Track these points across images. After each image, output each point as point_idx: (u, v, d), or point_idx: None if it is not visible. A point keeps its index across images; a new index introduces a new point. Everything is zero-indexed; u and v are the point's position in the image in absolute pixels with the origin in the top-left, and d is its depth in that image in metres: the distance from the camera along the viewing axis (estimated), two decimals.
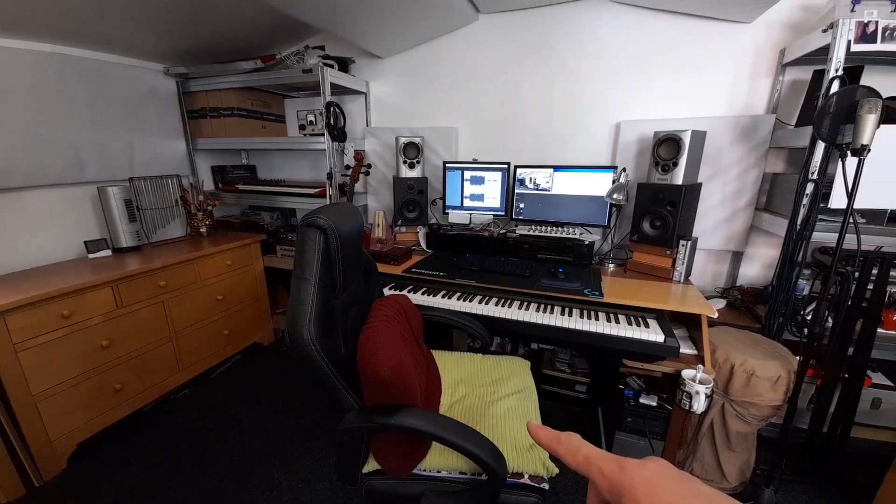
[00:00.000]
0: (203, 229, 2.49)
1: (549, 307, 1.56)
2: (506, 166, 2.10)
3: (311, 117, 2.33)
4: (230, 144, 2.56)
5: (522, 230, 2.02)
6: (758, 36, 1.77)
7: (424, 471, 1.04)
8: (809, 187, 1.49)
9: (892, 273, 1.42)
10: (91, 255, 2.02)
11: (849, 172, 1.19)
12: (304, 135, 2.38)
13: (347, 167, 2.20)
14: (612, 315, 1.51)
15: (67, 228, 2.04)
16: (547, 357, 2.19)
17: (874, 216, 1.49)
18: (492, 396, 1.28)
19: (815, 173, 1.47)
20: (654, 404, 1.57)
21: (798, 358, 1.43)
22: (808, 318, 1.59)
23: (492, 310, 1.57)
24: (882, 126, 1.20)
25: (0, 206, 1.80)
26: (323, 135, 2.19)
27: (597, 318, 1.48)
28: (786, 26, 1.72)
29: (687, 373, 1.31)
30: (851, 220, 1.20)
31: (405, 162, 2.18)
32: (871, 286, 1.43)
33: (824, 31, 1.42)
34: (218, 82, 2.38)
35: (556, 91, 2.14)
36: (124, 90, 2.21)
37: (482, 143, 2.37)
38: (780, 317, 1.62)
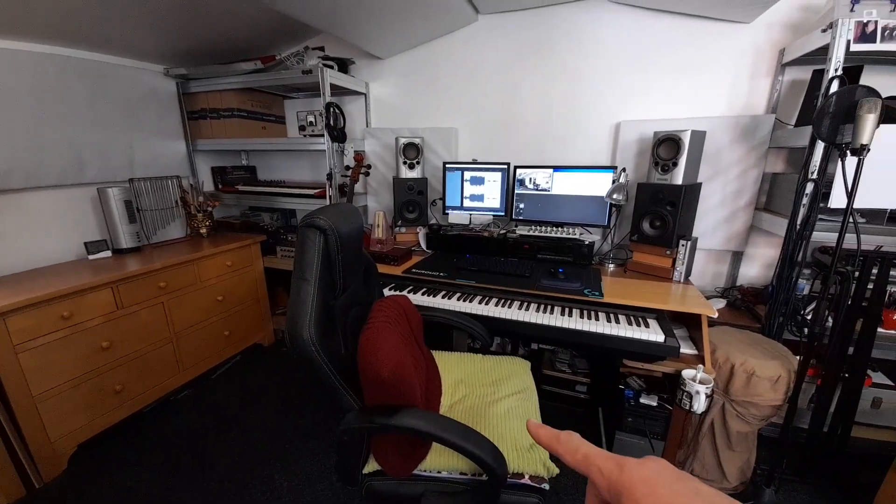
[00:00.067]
0: (203, 230, 2.49)
1: (549, 307, 1.56)
2: (506, 167, 2.10)
3: (310, 118, 2.34)
4: (230, 145, 2.56)
5: (522, 230, 2.03)
6: (757, 36, 1.77)
7: (425, 471, 1.04)
8: (809, 187, 1.49)
9: (892, 272, 1.43)
10: (91, 257, 2.02)
11: (848, 172, 1.19)
12: (304, 136, 2.39)
13: (347, 168, 2.20)
14: (612, 315, 1.51)
15: (67, 229, 2.04)
16: (547, 357, 2.19)
17: (874, 216, 1.49)
18: (492, 397, 1.28)
19: (815, 173, 1.47)
20: (655, 404, 1.57)
21: (798, 358, 1.43)
22: (809, 317, 1.59)
23: (492, 310, 1.57)
24: (881, 126, 1.20)
25: (0, 207, 1.80)
26: (323, 136, 2.20)
27: (597, 319, 1.48)
28: (785, 26, 1.72)
29: (687, 373, 1.31)
30: (851, 220, 1.20)
31: (405, 162, 2.18)
32: (871, 286, 1.43)
33: (824, 30, 1.42)
34: (218, 83, 2.38)
35: (555, 91, 2.14)
36: (124, 91, 2.21)
37: (482, 143, 2.37)
38: (781, 316, 1.62)
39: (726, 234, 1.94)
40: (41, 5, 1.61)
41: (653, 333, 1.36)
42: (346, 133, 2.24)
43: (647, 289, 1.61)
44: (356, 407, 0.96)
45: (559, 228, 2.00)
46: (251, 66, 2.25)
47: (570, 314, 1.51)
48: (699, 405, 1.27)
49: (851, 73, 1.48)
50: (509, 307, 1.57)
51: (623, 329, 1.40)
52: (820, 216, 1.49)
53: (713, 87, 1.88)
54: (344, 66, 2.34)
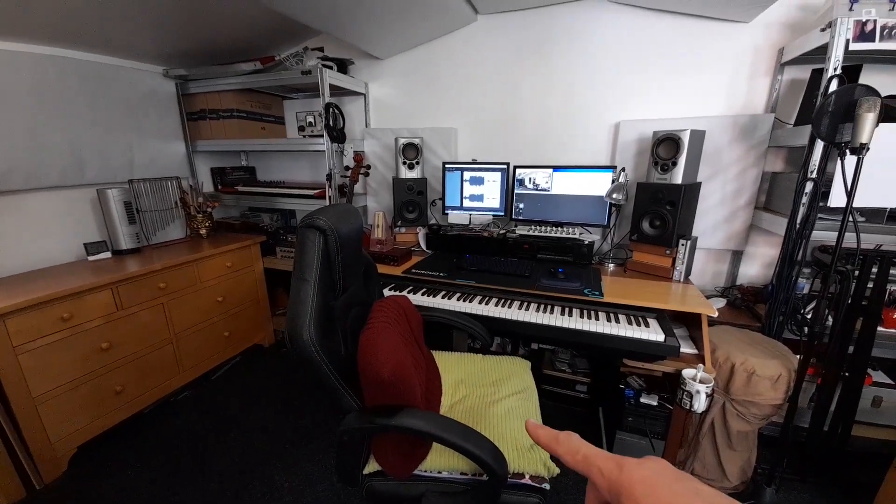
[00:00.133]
0: (203, 231, 2.49)
1: (549, 307, 1.56)
2: (505, 166, 2.10)
3: (310, 119, 2.34)
4: (229, 146, 2.56)
5: (522, 230, 2.03)
6: (756, 35, 1.77)
7: (425, 471, 1.04)
8: (809, 186, 1.49)
9: (891, 271, 1.42)
10: (91, 258, 2.02)
11: (848, 171, 1.19)
12: (304, 136, 2.39)
13: (347, 168, 2.20)
14: (612, 315, 1.51)
15: (67, 230, 2.04)
16: (547, 357, 2.19)
17: (873, 214, 1.49)
18: (492, 397, 1.28)
19: (815, 172, 1.48)
20: (655, 404, 1.57)
21: (798, 357, 1.43)
22: (809, 316, 1.59)
23: (492, 310, 1.57)
24: (881, 124, 1.20)
25: (0, 209, 1.80)
26: (322, 136, 2.20)
27: (597, 318, 1.48)
28: (784, 25, 1.72)
29: (687, 372, 1.31)
30: (851, 219, 1.20)
31: (404, 163, 2.18)
32: (870, 284, 1.43)
33: (822, 30, 1.42)
34: (217, 84, 2.38)
35: (555, 91, 2.14)
36: (124, 92, 2.21)
37: (481, 143, 2.37)
38: (781, 316, 1.62)
39: (726, 234, 1.94)
40: (41, 6, 1.61)
41: (653, 333, 1.36)
42: (345, 133, 2.24)
43: (647, 288, 1.61)
44: (356, 407, 0.96)
45: (559, 228, 2.00)
46: (250, 66, 2.25)
47: (571, 314, 1.51)
48: (699, 404, 1.27)
49: (850, 72, 1.48)
50: (509, 307, 1.57)
51: (623, 329, 1.40)
52: (819, 215, 1.49)
53: (712, 86, 1.88)
54: (343, 66, 2.34)
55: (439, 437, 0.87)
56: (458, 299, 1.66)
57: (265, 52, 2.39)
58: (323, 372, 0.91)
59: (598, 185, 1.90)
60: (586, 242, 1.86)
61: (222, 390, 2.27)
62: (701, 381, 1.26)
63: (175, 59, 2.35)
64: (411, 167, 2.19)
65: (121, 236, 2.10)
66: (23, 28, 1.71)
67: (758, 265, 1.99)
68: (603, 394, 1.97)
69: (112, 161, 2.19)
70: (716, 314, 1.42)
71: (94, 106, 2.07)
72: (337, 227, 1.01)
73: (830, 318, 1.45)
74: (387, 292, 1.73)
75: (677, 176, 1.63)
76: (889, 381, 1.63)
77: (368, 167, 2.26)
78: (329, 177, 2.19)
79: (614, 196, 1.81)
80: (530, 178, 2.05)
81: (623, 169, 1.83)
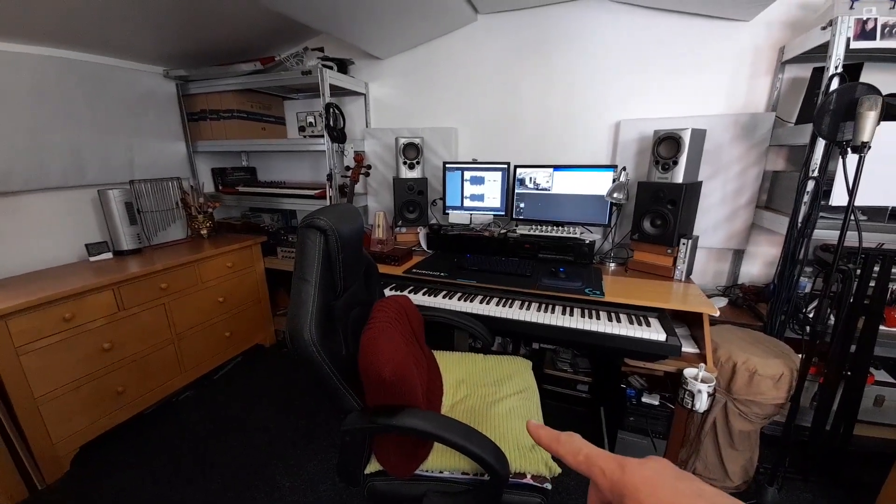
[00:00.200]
0: (204, 231, 2.49)
1: (550, 307, 1.56)
2: (506, 166, 2.10)
3: (310, 119, 2.34)
4: (230, 147, 2.56)
5: (523, 230, 2.02)
6: (757, 34, 1.77)
7: (427, 471, 1.04)
8: (810, 185, 1.48)
9: (893, 270, 1.42)
10: (92, 258, 2.02)
11: (849, 170, 1.19)
12: (304, 136, 2.39)
13: (347, 168, 2.20)
14: (613, 314, 1.51)
15: (68, 231, 2.05)
16: (548, 357, 2.19)
17: (875, 213, 1.48)
18: (493, 396, 1.28)
19: (816, 171, 1.47)
20: (657, 403, 1.57)
21: (800, 356, 1.43)
22: (811, 315, 1.58)
23: (493, 310, 1.57)
24: (882, 123, 1.19)
25: (0, 210, 1.80)
26: (323, 136, 2.20)
27: (598, 318, 1.47)
28: (785, 24, 1.72)
29: (689, 371, 1.31)
30: (852, 218, 1.19)
31: (405, 163, 2.18)
32: (872, 283, 1.43)
33: (823, 28, 1.42)
34: (217, 84, 2.38)
35: (555, 90, 2.14)
36: (124, 93, 2.21)
37: (482, 143, 2.37)
38: (782, 315, 1.62)
39: (727, 233, 1.94)
40: (41, 7, 1.62)
41: (654, 332, 1.36)
42: (345, 133, 2.24)
43: (648, 288, 1.61)
44: (357, 407, 0.96)
45: (560, 228, 1.99)
46: (251, 67, 2.26)
47: (572, 313, 1.51)
48: (701, 404, 1.27)
49: (851, 70, 1.48)
50: (510, 307, 1.57)
51: (624, 328, 1.40)
52: (821, 214, 1.49)
53: (713, 85, 1.88)
54: (343, 66, 2.34)
55: (441, 437, 0.87)
56: (459, 299, 1.66)
57: (265, 53, 2.40)
58: (324, 372, 0.91)
59: (598, 184, 1.90)
60: (587, 242, 1.86)
61: (223, 390, 2.28)
62: (703, 381, 1.26)
63: (175, 59, 2.35)
64: (412, 167, 2.19)
65: (122, 237, 2.10)
66: (23, 29, 1.71)
67: (759, 264, 1.99)
68: (604, 393, 1.96)
69: (112, 162, 2.19)
70: (717, 313, 1.42)
71: (95, 107, 2.08)
72: (338, 228, 1.01)
73: (832, 317, 1.45)
74: (388, 292, 1.73)
75: (678, 175, 1.62)
76: (891, 380, 1.62)
77: (369, 167, 2.26)
78: (329, 177, 2.19)
79: (615, 195, 1.80)
80: (531, 178, 2.05)
81: (624, 168, 1.83)
